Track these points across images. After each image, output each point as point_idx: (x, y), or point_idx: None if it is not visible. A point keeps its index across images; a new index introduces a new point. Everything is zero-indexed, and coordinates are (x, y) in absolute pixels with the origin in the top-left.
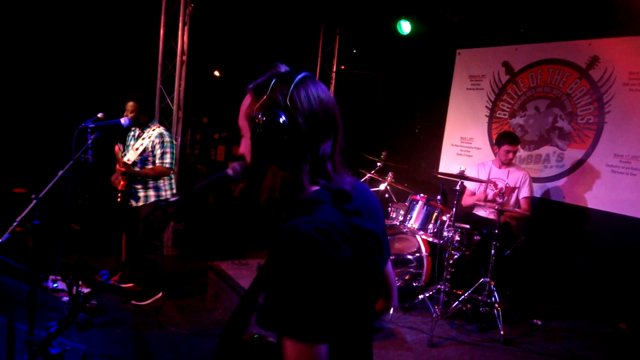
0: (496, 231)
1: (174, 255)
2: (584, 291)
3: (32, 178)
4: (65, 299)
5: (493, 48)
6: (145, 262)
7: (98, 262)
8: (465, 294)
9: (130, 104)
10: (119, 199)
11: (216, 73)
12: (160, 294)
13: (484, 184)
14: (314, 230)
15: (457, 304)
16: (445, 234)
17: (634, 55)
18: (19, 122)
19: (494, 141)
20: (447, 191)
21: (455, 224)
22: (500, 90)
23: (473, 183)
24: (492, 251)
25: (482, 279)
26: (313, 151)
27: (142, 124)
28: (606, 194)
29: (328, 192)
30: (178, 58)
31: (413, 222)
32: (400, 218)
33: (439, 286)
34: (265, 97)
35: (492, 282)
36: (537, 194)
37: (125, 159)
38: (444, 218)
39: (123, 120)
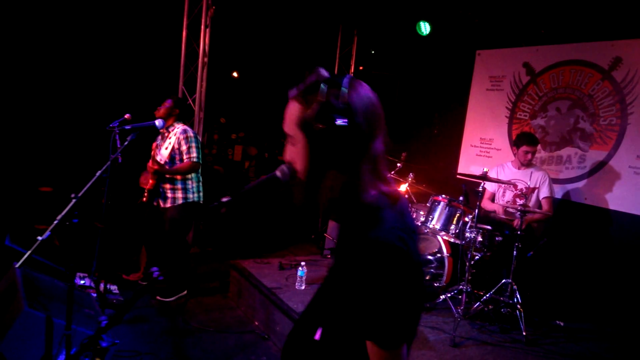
0: (519, 232)
1: (194, 253)
2: (605, 293)
3: (57, 177)
4: (93, 295)
5: (513, 49)
6: (172, 260)
7: (121, 260)
8: (487, 295)
9: (169, 101)
10: (144, 198)
11: (234, 74)
12: (184, 292)
13: (503, 186)
14: (397, 239)
15: (478, 305)
16: (467, 234)
17: None
18: (46, 122)
19: (513, 142)
20: (469, 192)
21: (478, 225)
22: (520, 91)
23: (493, 185)
24: (514, 252)
25: (503, 280)
26: (369, 152)
27: (169, 124)
28: (628, 195)
29: (385, 195)
30: (200, 60)
31: (435, 223)
32: (422, 219)
33: (460, 287)
34: (319, 101)
35: (514, 283)
36: (558, 195)
37: (157, 158)
38: (466, 219)
39: (157, 122)
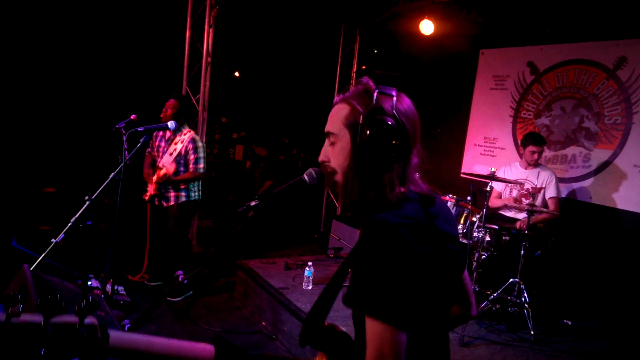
0: (526, 232)
1: (198, 253)
2: (612, 291)
3: (61, 177)
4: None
5: (517, 48)
6: (178, 258)
7: (127, 261)
8: (495, 294)
9: (172, 101)
10: (146, 198)
11: (236, 74)
12: (191, 292)
13: (510, 186)
14: (401, 225)
15: (486, 304)
16: (475, 234)
17: None
18: (49, 122)
19: (519, 142)
20: (476, 192)
21: (485, 225)
22: (525, 90)
23: (500, 184)
24: (522, 252)
25: (511, 279)
26: (408, 159)
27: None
28: (634, 194)
29: (416, 194)
30: (203, 60)
31: None
32: None
33: None
34: (371, 106)
35: (522, 283)
36: (563, 194)
37: (160, 163)
38: (474, 219)
39: (170, 124)
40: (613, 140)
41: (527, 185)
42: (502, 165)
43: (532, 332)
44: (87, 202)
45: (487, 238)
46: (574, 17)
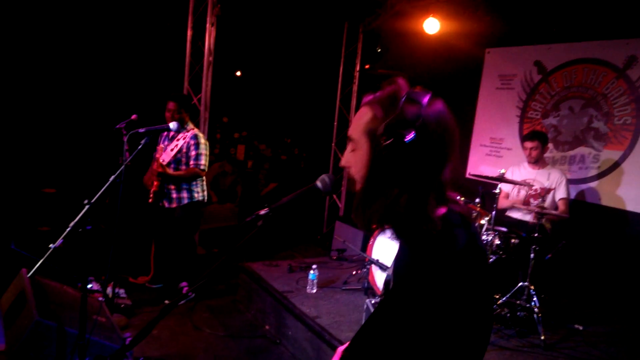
0: (536, 234)
1: (199, 255)
2: (623, 295)
3: (61, 178)
4: (100, 300)
5: (524, 47)
6: (181, 262)
7: (128, 263)
8: (504, 298)
9: (171, 104)
10: (150, 200)
11: (237, 73)
12: (193, 295)
13: (517, 186)
14: (464, 262)
15: (495, 308)
16: (483, 237)
17: None
18: (48, 122)
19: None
20: (485, 194)
21: (494, 227)
22: (532, 90)
23: (508, 185)
24: (531, 255)
25: (520, 283)
26: (437, 174)
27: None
28: None
29: (457, 215)
30: (205, 58)
31: None
32: None
33: None
34: (394, 114)
35: (532, 287)
36: (572, 195)
37: (160, 160)
38: (482, 222)
39: (172, 125)
40: (623, 140)
41: (536, 186)
42: (510, 166)
43: (542, 338)
44: (87, 207)
45: (496, 241)
46: (583, 15)
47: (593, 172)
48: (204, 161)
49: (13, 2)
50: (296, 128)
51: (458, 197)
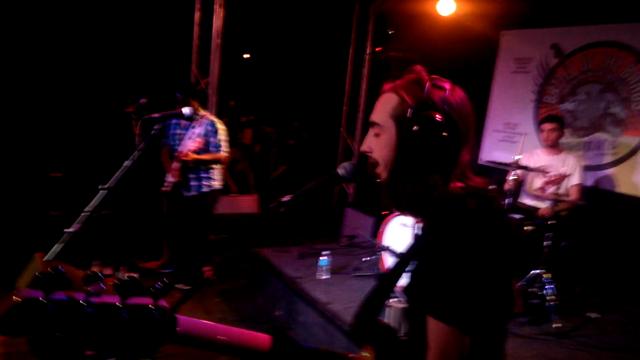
0: (549, 222)
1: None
2: (639, 284)
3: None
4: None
5: (541, 29)
6: (196, 247)
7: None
8: (517, 285)
9: (177, 96)
10: (169, 189)
11: (245, 56)
12: (215, 278)
13: (531, 173)
14: (476, 227)
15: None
16: None
17: None
18: (55, 107)
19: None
20: (498, 180)
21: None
22: (548, 74)
23: (522, 171)
24: (545, 242)
25: (533, 271)
26: (459, 157)
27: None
28: None
29: (483, 194)
30: (213, 41)
31: None
32: None
33: None
34: (421, 98)
35: (546, 274)
36: (588, 182)
37: (181, 148)
38: None
39: (185, 110)
40: None
41: (551, 172)
42: (524, 152)
43: (554, 325)
44: (103, 192)
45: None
46: None
47: (609, 159)
48: (225, 147)
49: None
50: (304, 112)
51: (478, 178)
